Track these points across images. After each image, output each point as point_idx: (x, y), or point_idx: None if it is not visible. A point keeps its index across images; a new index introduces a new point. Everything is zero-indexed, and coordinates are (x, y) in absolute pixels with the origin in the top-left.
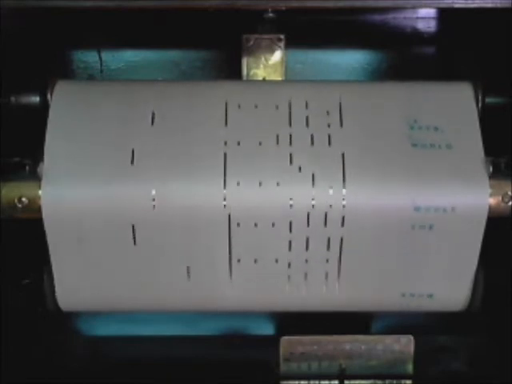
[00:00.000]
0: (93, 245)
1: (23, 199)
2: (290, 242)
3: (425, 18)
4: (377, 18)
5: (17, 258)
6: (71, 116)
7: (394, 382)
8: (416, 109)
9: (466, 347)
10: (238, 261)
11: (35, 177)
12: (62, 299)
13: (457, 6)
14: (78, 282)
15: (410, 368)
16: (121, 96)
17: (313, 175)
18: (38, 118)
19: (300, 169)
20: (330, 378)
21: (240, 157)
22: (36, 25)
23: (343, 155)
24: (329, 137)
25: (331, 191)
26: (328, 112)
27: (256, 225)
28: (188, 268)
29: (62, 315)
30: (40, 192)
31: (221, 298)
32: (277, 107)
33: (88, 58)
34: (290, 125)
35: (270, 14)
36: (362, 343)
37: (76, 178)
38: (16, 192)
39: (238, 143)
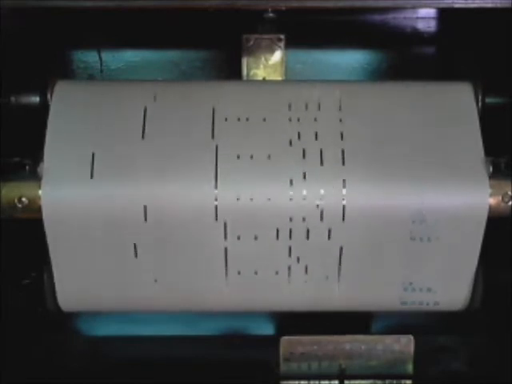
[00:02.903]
0: (93, 245)
1: (23, 199)
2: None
3: (425, 17)
4: (377, 17)
5: (17, 258)
6: (71, 116)
7: (394, 382)
8: (416, 109)
9: (465, 347)
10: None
11: (35, 177)
12: (62, 299)
13: (457, 5)
14: (78, 282)
15: (410, 368)
16: (121, 96)
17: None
18: (38, 118)
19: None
20: (330, 378)
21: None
22: (36, 25)
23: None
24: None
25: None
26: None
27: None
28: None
29: (62, 315)
30: (40, 192)
31: (219, 298)
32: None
33: (88, 58)
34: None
35: (270, 14)
36: (362, 343)
37: (76, 178)
38: (16, 192)
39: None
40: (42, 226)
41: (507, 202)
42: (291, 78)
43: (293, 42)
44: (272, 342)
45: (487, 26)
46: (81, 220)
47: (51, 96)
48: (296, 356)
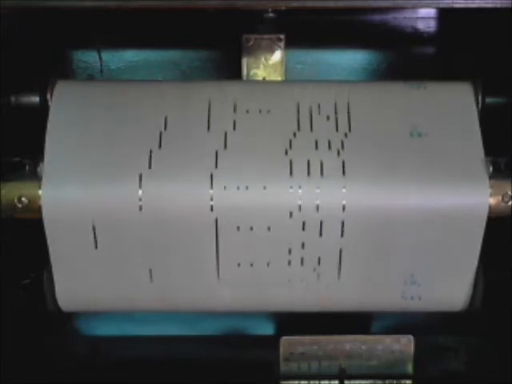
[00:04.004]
0: (92, 245)
1: (23, 199)
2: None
3: (425, 17)
4: (377, 17)
5: (17, 258)
6: (71, 116)
7: (394, 382)
8: (416, 109)
9: (465, 347)
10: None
11: (35, 177)
12: (61, 299)
13: (457, 5)
14: (78, 281)
15: (409, 368)
16: (121, 96)
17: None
18: (38, 117)
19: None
20: (329, 378)
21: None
22: (36, 25)
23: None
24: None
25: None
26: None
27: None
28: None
29: (62, 315)
30: (40, 192)
31: (218, 299)
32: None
33: (88, 58)
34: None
35: (270, 14)
36: (362, 343)
37: (76, 178)
38: (16, 192)
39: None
40: (42, 226)
41: (507, 202)
42: (291, 78)
43: (293, 42)
44: (272, 341)
45: (487, 26)
46: (81, 220)
47: (51, 96)
48: (296, 356)
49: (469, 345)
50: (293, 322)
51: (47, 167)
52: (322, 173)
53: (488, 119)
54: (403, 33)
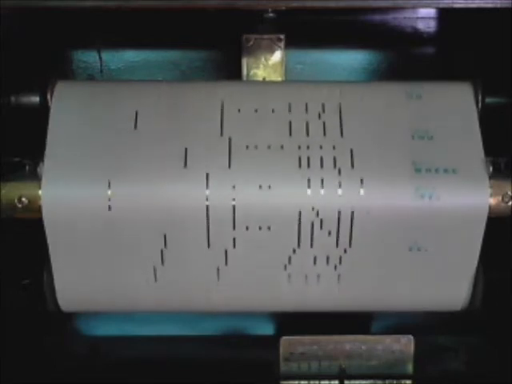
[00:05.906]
0: (92, 245)
1: (23, 199)
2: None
3: (425, 17)
4: (377, 17)
5: (17, 258)
6: (71, 116)
7: (394, 382)
8: (416, 109)
9: (465, 347)
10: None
11: (35, 177)
12: (62, 299)
13: (457, 5)
14: (78, 282)
15: (409, 368)
16: (121, 96)
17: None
18: (38, 117)
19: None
20: (329, 378)
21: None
22: (36, 25)
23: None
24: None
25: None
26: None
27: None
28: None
29: (62, 315)
30: (40, 192)
31: (217, 298)
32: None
33: (88, 58)
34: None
35: (270, 14)
36: (362, 343)
37: (76, 178)
38: (16, 192)
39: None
40: (42, 226)
41: (507, 202)
42: (291, 78)
43: (293, 42)
44: (272, 341)
45: (487, 26)
46: (81, 220)
47: (51, 96)
48: (296, 356)
49: (469, 345)
50: (293, 322)
51: (47, 167)
52: None
53: (488, 119)
54: (403, 33)
